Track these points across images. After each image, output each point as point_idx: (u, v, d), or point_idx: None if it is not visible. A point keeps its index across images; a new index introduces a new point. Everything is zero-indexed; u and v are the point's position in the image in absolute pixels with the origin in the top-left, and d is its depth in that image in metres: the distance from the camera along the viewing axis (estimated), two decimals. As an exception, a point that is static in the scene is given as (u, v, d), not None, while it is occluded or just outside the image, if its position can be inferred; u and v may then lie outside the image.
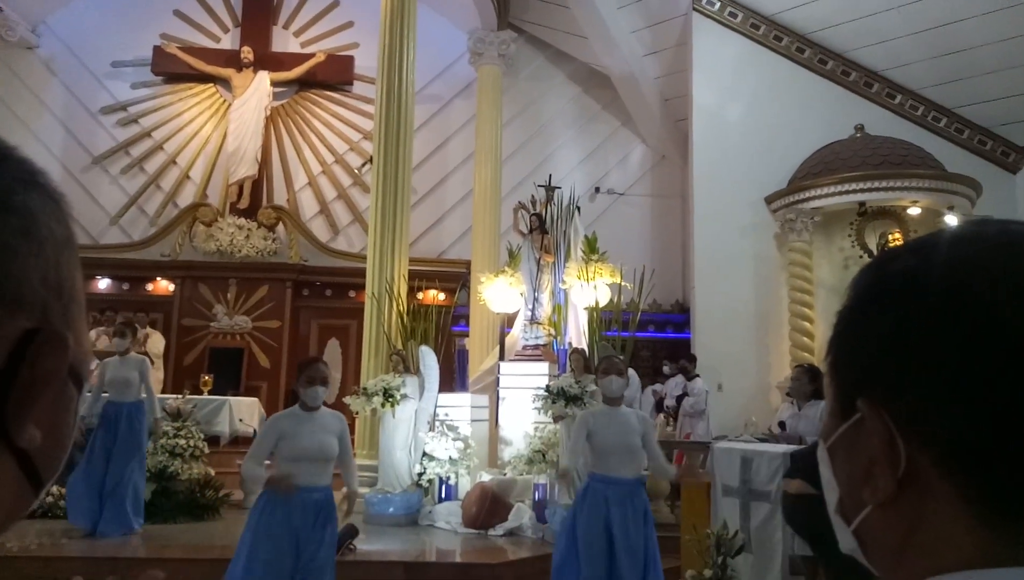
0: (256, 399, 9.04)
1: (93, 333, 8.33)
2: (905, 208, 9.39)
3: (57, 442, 0.43)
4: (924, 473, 0.43)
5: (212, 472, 6.97)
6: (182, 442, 6.57)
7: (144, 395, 5.92)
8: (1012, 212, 9.86)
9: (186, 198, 12.07)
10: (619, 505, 3.99)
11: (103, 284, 11.25)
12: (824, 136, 9.85)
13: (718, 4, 10.34)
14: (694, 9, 10.40)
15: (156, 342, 9.85)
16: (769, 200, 9.93)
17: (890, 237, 9.05)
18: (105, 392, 5.85)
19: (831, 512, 0.50)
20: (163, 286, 11.40)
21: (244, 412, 8.16)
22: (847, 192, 9.24)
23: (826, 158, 9.61)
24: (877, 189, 9.11)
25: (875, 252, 9.24)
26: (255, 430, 8.13)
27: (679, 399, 8.54)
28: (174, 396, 7.40)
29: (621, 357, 7.07)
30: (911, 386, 0.43)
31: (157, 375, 9.80)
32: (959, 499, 0.42)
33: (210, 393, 8.25)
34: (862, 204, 9.34)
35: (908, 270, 0.46)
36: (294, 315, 11.34)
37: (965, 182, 9.25)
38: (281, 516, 3.44)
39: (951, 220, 9.10)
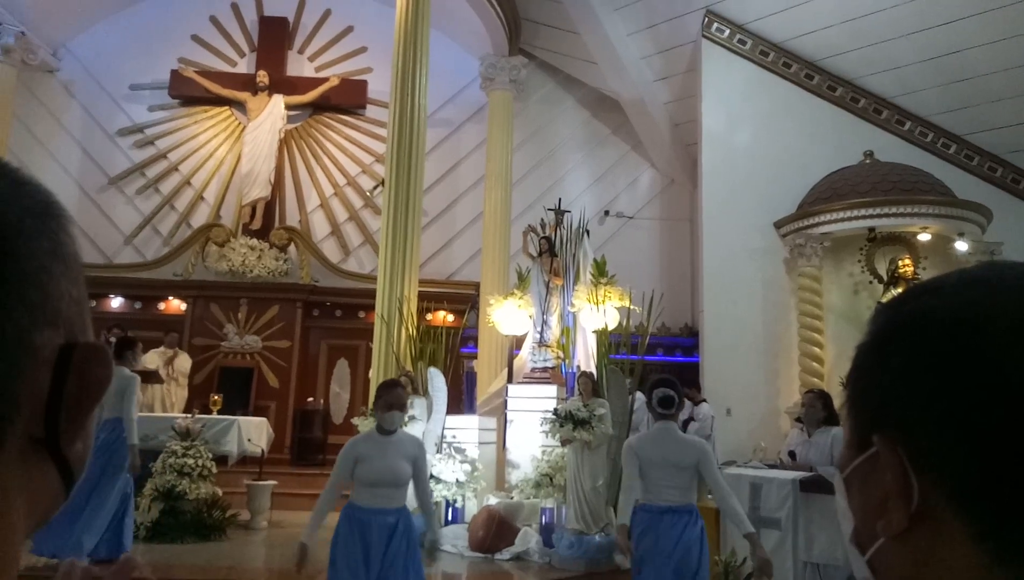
0: (264, 419, 9.06)
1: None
2: (915, 234, 9.38)
3: (88, 449, 0.46)
4: (936, 510, 0.44)
5: (220, 492, 6.97)
6: (190, 462, 6.58)
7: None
8: (1023, 238, 9.83)
9: (199, 219, 12.21)
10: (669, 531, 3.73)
11: (116, 303, 11.36)
12: (833, 162, 9.88)
13: (727, 31, 10.44)
14: (703, 36, 10.50)
15: (183, 362, 10.04)
16: (778, 225, 9.94)
17: (900, 263, 9.03)
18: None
19: (846, 541, 0.51)
20: (175, 305, 11.49)
21: (253, 432, 8.17)
22: (857, 217, 9.24)
23: (835, 184, 9.63)
24: (887, 215, 9.11)
25: (885, 278, 9.22)
26: (263, 450, 8.14)
27: (685, 424, 8.49)
28: (183, 415, 7.43)
29: (631, 382, 7.07)
30: (922, 425, 0.44)
31: (181, 394, 9.90)
32: (969, 537, 0.42)
33: (219, 412, 8.27)
34: (872, 230, 9.34)
35: (922, 311, 0.47)
36: (304, 335, 11.39)
37: (975, 209, 9.24)
38: (356, 540, 3.48)
39: (961, 246, 9.08)
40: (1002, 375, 0.42)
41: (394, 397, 3.62)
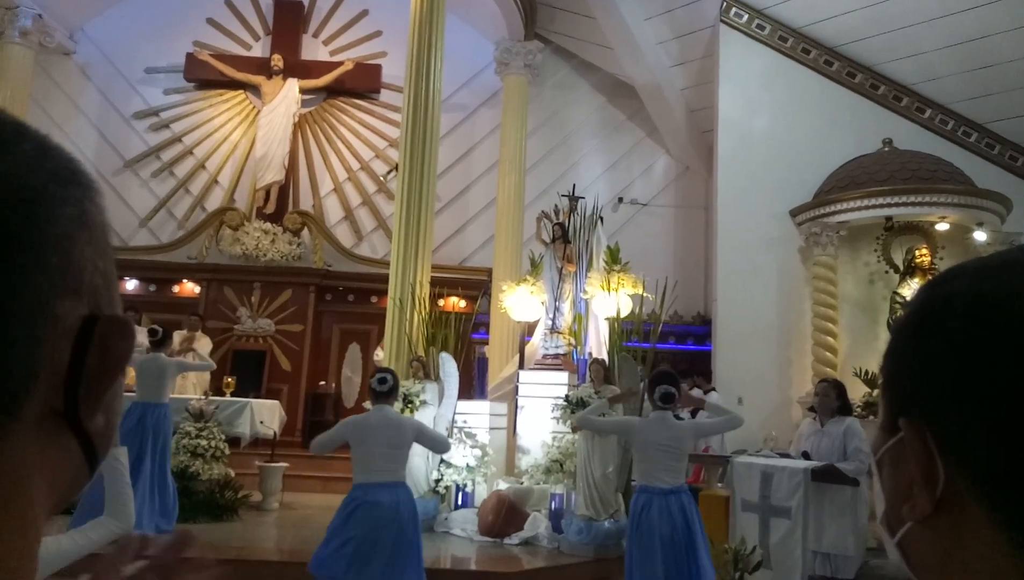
0: (277, 402, 9.13)
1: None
2: (933, 224, 9.26)
3: (112, 426, 0.45)
4: (961, 496, 0.43)
5: (232, 473, 7.04)
6: (204, 442, 6.65)
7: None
8: (1044, 229, 9.68)
9: (214, 202, 12.27)
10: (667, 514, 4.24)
11: (131, 285, 11.46)
12: (852, 150, 9.75)
13: (746, 16, 10.30)
14: (722, 21, 10.37)
15: (204, 344, 10.06)
16: (794, 213, 9.84)
17: (917, 253, 8.92)
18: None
19: (879, 522, 0.50)
20: (189, 288, 11.58)
21: (265, 414, 8.24)
22: (874, 206, 9.13)
23: (853, 172, 9.51)
24: (905, 204, 8.99)
25: (901, 268, 9.11)
26: (275, 432, 8.21)
27: (694, 413, 8.47)
28: (196, 397, 7.51)
29: (642, 370, 7.06)
30: (949, 409, 0.44)
31: (203, 376, 10.03)
32: (994, 524, 0.42)
33: (232, 395, 8.34)
34: (889, 219, 9.23)
35: (955, 293, 0.46)
36: (316, 319, 11.44)
37: (995, 198, 9.10)
38: None
39: (980, 236, 8.96)
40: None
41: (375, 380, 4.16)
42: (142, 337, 8.63)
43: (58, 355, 0.40)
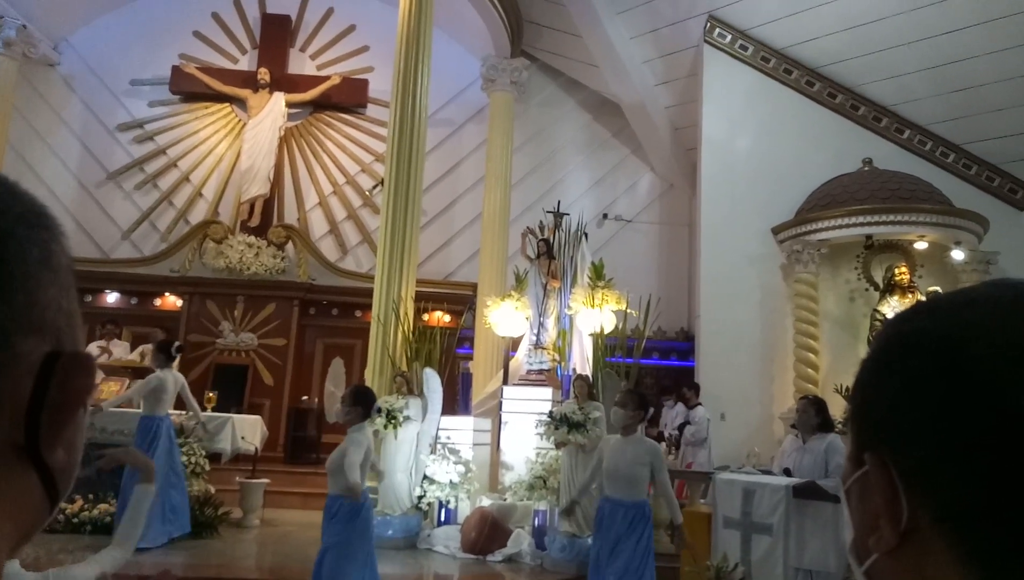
0: (259, 417, 9.04)
1: (95, 347, 8.38)
2: (912, 242, 9.39)
3: (74, 461, 0.46)
4: (924, 530, 0.44)
5: (212, 490, 6.96)
6: (184, 459, 6.57)
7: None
8: (1019, 248, 9.83)
9: (198, 215, 12.20)
10: (626, 521, 4.41)
11: (111, 298, 11.34)
12: (832, 169, 9.89)
13: (729, 37, 10.45)
14: (705, 41, 10.52)
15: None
16: (776, 231, 9.95)
17: (896, 271, 9.04)
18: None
19: (847, 550, 0.51)
20: (171, 301, 11.48)
21: (247, 430, 8.15)
22: (854, 225, 9.25)
23: (834, 191, 9.64)
24: (884, 223, 9.12)
25: (881, 285, 9.22)
26: (257, 448, 8.13)
27: (681, 428, 8.49)
28: (177, 412, 7.42)
29: (626, 385, 7.07)
30: (912, 446, 0.45)
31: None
32: (956, 558, 0.42)
33: (214, 410, 8.25)
34: (869, 237, 9.35)
35: (920, 331, 0.47)
36: (300, 333, 11.37)
37: (972, 218, 9.25)
38: None
39: (957, 255, 9.09)
40: (992, 398, 0.42)
41: (348, 391, 4.31)
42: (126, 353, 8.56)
43: (20, 391, 0.41)
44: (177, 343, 6.62)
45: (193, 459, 6.71)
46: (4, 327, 0.40)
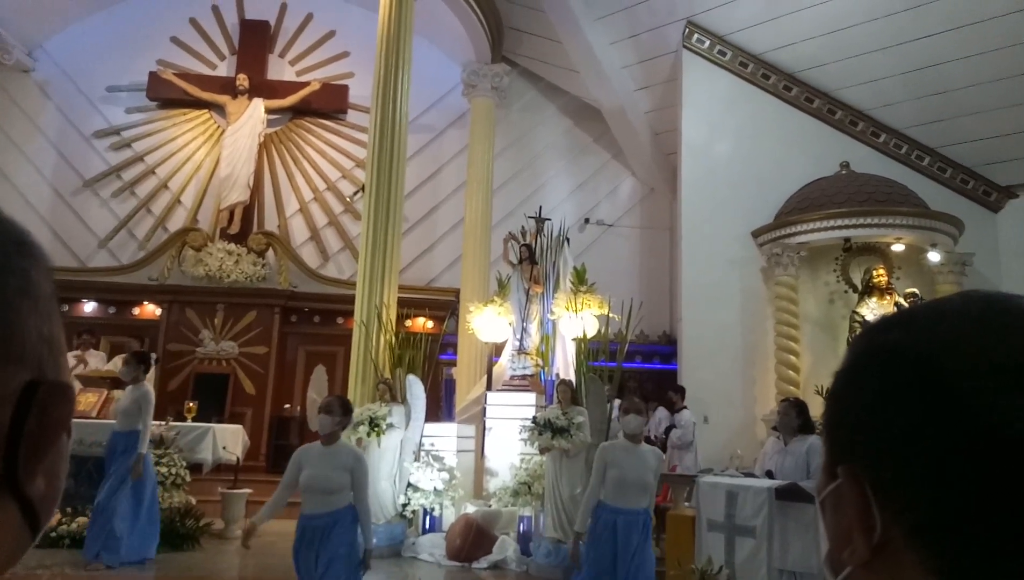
0: (240, 426, 8.95)
1: (71, 357, 8.26)
2: (889, 244, 9.51)
3: (55, 489, 0.45)
4: (897, 543, 0.44)
5: (193, 501, 6.87)
6: (164, 470, 6.49)
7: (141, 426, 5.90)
8: (993, 250, 10.02)
9: (176, 223, 12.08)
10: (626, 530, 4.29)
11: (89, 307, 11.19)
12: (810, 172, 10.00)
13: (708, 42, 10.54)
14: (684, 47, 10.60)
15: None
16: (756, 234, 10.03)
17: (874, 272, 9.15)
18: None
19: (822, 561, 0.51)
20: (150, 310, 11.35)
21: (228, 439, 8.07)
22: (832, 228, 9.35)
23: (812, 194, 9.75)
24: (862, 225, 9.23)
25: (859, 287, 9.33)
26: (238, 458, 8.05)
27: (667, 431, 8.52)
28: (157, 423, 7.33)
29: (609, 390, 7.09)
30: (885, 458, 0.45)
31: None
32: (928, 571, 0.42)
33: (194, 420, 8.16)
34: (847, 240, 9.46)
35: (890, 344, 0.47)
36: (281, 341, 11.29)
37: (948, 220, 9.39)
38: (303, 545, 3.80)
39: (934, 257, 9.22)
40: (964, 412, 0.42)
41: (323, 403, 3.99)
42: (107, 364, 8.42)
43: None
44: (154, 355, 6.53)
45: (173, 470, 6.63)
46: None
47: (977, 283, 9.63)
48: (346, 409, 4.05)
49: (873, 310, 8.96)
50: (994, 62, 9.13)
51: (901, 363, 0.46)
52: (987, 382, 0.42)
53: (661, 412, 8.90)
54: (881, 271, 9.16)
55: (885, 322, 0.51)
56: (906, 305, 8.77)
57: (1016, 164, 10.06)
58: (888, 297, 9.00)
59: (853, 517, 0.46)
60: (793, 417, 5.36)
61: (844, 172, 9.90)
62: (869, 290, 9.14)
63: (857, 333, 0.56)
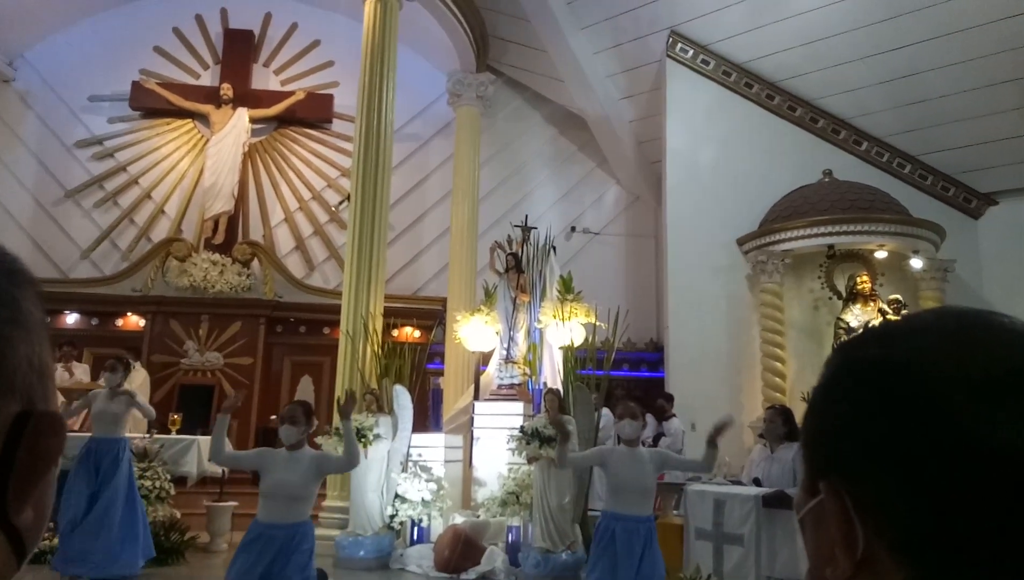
0: (225, 438, 8.86)
1: (58, 369, 8.15)
2: (872, 251, 9.61)
3: (42, 517, 0.45)
4: (879, 558, 0.44)
5: (178, 514, 6.80)
6: (148, 483, 6.42)
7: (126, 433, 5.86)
8: (974, 256, 10.14)
9: (160, 233, 11.98)
10: (626, 538, 4.15)
11: (71, 319, 11.07)
12: (793, 180, 10.08)
13: (691, 51, 10.63)
14: (668, 56, 10.68)
15: (135, 376, 9.64)
16: (741, 242, 10.10)
17: (858, 279, 9.23)
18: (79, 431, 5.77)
19: (804, 578, 0.51)
20: (133, 321, 11.23)
21: (213, 451, 7.99)
22: (816, 235, 9.44)
23: (795, 202, 9.83)
24: (845, 233, 9.32)
25: (844, 294, 9.41)
26: (223, 471, 7.97)
27: (656, 439, 8.53)
28: (140, 435, 7.24)
29: (596, 398, 7.10)
30: (866, 473, 0.45)
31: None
32: None
33: (178, 432, 8.08)
34: (831, 247, 9.54)
35: (869, 360, 0.48)
36: (267, 352, 11.21)
37: (930, 227, 9.50)
38: (253, 553, 3.62)
39: (916, 264, 9.32)
40: (946, 425, 0.43)
41: (286, 411, 3.85)
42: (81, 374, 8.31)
43: None
44: (137, 362, 6.45)
45: (157, 483, 6.55)
46: None
47: (959, 289, 9.74)
48: (310, 415, 3.95)
49: (857, 316, 9.03)
50: (973, 71, 9.27)
51: (881, 377, 0.46)
52: (968, 395, 0.43)
53: (649, 420, 8.91)
54: (865, 278, 9.25)
55: (861, 338, 0.51)
56: (890, 311, 8.86)
57: (996, 171, 10.20)
58: (872, 303, 9.08)
59: (836, 533, 0.46)
60: (779, 424, 5.40)
61: (827, 180, 10.00)
62: (853, 297, 9.22)
63: (833, 349, 0.56)
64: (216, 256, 11.28)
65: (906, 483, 0.43)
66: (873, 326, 0.53)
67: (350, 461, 3.94)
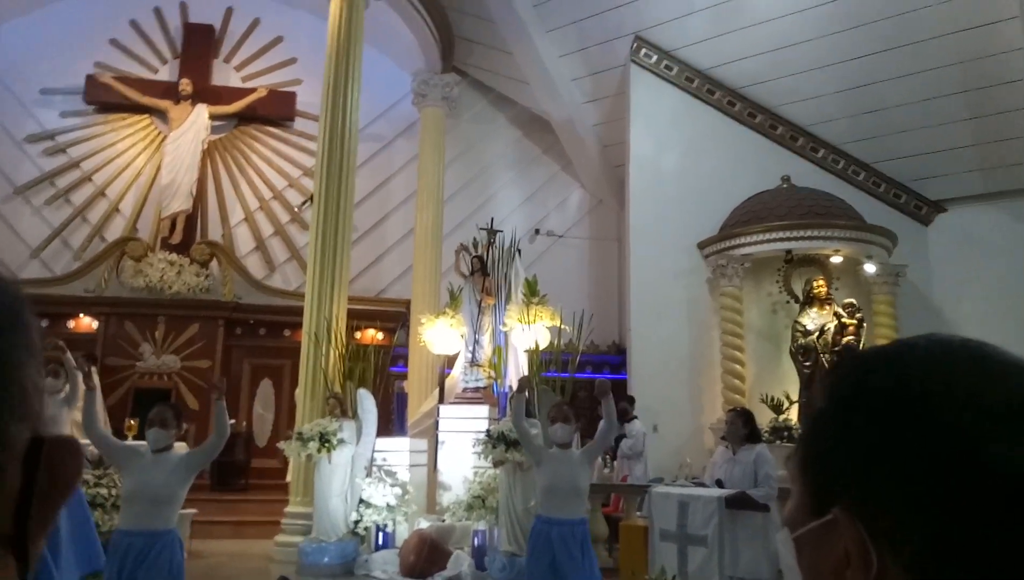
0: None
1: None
2: (828, 256, 9.85)
3: (42, 545, 0.44)
4: (892, 578, 0.45)
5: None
6: (103, 491, 6.24)
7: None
8: (925, 262, 10.47)
9: (114, 232, 11.66)
10: (562, 542, 4.16)
11: (20, 320, 10.70)
12: (753, 186, 10.28)
13: (655, 57, 10.76)
14: (632, 61, 10.79)
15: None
16: (701, 246, 10.26)
17: (814, 283, 9.45)
18: None
19: None
20: (86, 323, 10.91)
21: (171, 457, 7.81)
22: (774, 240, 9.64)
23: (754, 207, 10.03)
24: (802, 238, 9.54)
25: (800, 298, 9.63)
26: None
27: (617, 441, 8.61)
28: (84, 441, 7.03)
29: (560, 400, 7.13)
30: (881, 497, 0.46)
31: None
32: None
33: (135, 438, 7.86)
34: (788, 252, 9.76)
35: (887, 389, 0.49)
36: (226, 354, 10.99)
37: (882, 233, 9.79)
38: (114, 566, 3.45)
39: (869, 268, 9.59)
40: (961, 451, 0.44)
41: (154, 414, 3.64)
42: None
43: (11, 480, 0.40)
44: (95, 368, 6.27)
45: (113, 491, 6.38)
46: (4, 424, 0.39)
47: (910, 293, 10.05)
48: (179, 418, 3.79)
49: (814, 320, 9.26)
50: (925, 82, 9.58)
51: (902, 408, 0.47)
52: (992, 425, 0.44)
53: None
54: (821, 282, 9.48)
55: (871, 360, 0.51)
56: (844, 314, 9.10)
57: (945, 180, 10.55)
58: (828, 307, 9.31)
59: (853, 555, 0.46)
60: (740, 426, 5.50)
61: (785, 186, 10.22)
62: (810, 300, 9.44)
63: (828, 374, 0.57)
64: (173, 256, 11.04)
65: (921, 507, 0.44)
66: (872, 350, 0.55)
67: (220, 438, 3.72)
